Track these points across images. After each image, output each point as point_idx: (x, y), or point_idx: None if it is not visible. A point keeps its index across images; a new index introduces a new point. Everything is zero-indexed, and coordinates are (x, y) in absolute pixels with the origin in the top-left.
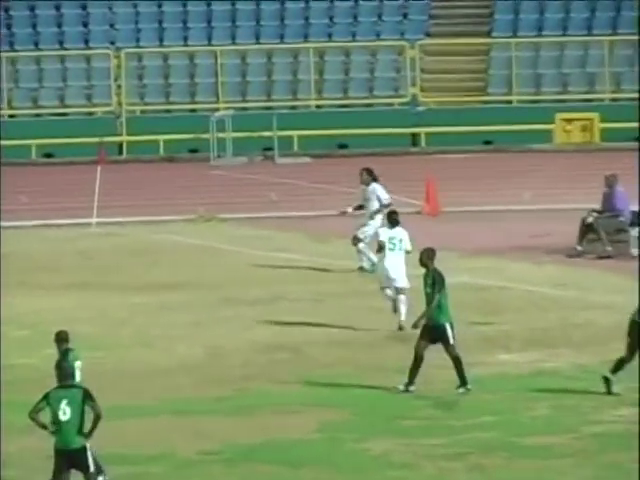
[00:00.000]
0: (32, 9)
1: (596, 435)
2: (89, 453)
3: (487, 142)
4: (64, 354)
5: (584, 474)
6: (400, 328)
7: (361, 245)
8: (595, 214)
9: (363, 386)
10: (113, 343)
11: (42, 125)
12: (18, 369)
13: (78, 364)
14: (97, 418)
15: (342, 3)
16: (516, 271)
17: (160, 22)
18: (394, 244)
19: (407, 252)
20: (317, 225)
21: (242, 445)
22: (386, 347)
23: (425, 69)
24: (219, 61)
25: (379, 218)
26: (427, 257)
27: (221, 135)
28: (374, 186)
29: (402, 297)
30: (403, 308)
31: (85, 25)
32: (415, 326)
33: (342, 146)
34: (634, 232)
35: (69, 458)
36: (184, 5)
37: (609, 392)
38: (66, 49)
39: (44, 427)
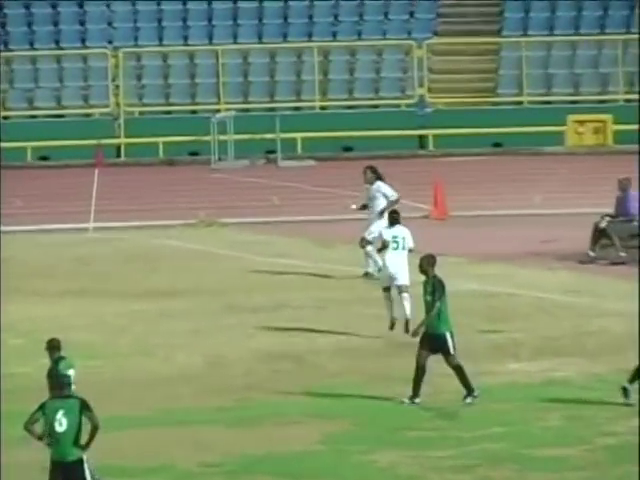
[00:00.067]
0: (27, 7)
1: (610, 447)
2: (86, 466)
3: (497, 144)
4: (56, 363)
5: None
6: (406, 324)
7: (369, 248)
8: (608, 219)
9: (368, 396)
10: (111, 352)
11: (38, 127)
12: (17, 378)
13: (71, 373)
14: (94, 429)
15: (347, 1)
16: (526, 277)
17: (159, 20)
18: (397, 242)
19: (409, 250)
20: (321, 230)
21: (244, 457)
22: (392, 356)
23: (433, 69)
24: (220, 61)
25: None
26: (427, 263)
27: (222, 137)
28: (379, 184)
29: (405, 295)
30: (407, 305)
31: (82, 23)
32: (415, 334)
33: (347, 149)
34: None
35: (65, 470)
36: (184, 3)
37: (627, 403)
38: (62, 48)
39: (40, 439)
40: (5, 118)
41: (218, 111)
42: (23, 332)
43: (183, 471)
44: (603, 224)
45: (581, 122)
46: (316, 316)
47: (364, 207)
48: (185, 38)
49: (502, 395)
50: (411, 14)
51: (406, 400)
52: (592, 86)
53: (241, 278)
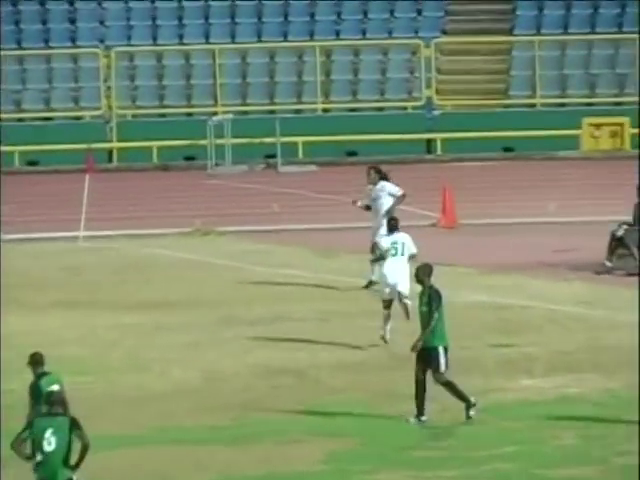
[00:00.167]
0: (14, 4)
1: (626, 467)
2: None
3: (508, 149)
4: (38, 378)
5: None
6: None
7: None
8: (626, 227)
9: (372, 414)
10: (102, 366)
11: (26, 130)
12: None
13: (55, 388)
14: (85, 449)
15: None
16: (539, 289)
17: (153, 18)
18: (396, 249)
19: (412, 256)
20: (323, 239)
21: (242, 477)
22: (397, 371)
23: (441, 70)
24: (217, 61)
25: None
26: (423, 273)
27: (219, 141)
28: (383, 184)
29: (407, 301)
30: (408, 304)
31: (72, 22)
32: (414, 349)
33: (351, 153)
34: None
35: None
36: (179, 0)
37: None
38: (51, 48)
39: (28, 459)
40: None
41: (215, 114)
42: (9, 346)
43: None
44: (620, 232)
45: (597, 125)
46: (318, 329)
47: (367, 208)
48: (180, 37)
49: (514, 413)
50: (418, 12)
51: (412, 419)
52: (609, 87)
53: (239, 289)
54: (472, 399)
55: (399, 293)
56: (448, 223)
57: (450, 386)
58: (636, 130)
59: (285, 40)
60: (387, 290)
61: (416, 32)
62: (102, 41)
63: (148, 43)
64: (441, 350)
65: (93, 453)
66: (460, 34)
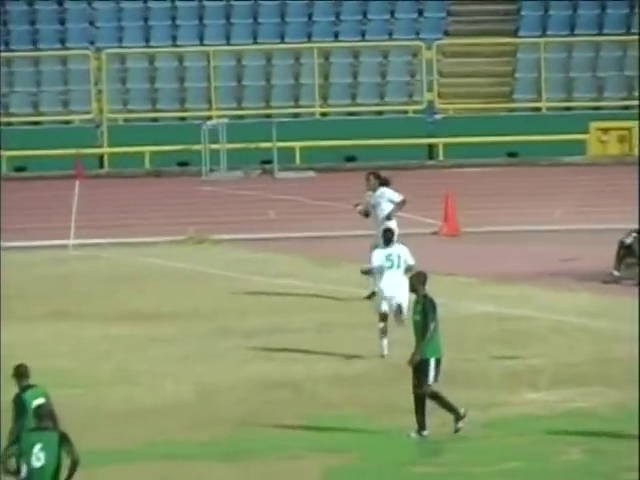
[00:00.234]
0: (1, 4)
1: None
2: None
3: (512, 154)
4: (23, 391)
5: None
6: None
7: None
8: (635, 235)
9: (372, 428)
10: (92, 379)
11: (13, 135)
12: None
13: (40, 402)
14: (74, 464)
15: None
16: (545, 299)
17: (146, 19)
18: (392, 261)
19: (409, 268)
20: (322, 248)
21: None
22: (398, 383)
23: (443, 72)
24: (212, 63)
25: (395, 220)
26: (418, 281)
27: (214, 146)
28: (382, 190)
29: (404, 317)
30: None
31: (61, 22)
32: (411, 362)
33: (350, 159)
34: None
35: None
36: (172, 0)
37: None
38: (40, 49)
39: (15, 474)
40: None
41: (210, 118)
42: None
43: None
44: (629, 240)
45: (604, 130)
46: (316, 341)
47: (366, 214)
48: (174, 38)
49: (518, 427)
50: (420, 12)
51: (413, 434)
52: (616, 91)
53: (234, 300)
54: (462, 410)
55: (398, 306)
56: (450, 231)
57: (437, 398)
58: None
59: (282, 42)
60: (383, 303)
61: (417, 33)
62: (92, 43)
63: (140, 45)
64: (432, 362)
65: (82, 469)
66: (463, 35)
